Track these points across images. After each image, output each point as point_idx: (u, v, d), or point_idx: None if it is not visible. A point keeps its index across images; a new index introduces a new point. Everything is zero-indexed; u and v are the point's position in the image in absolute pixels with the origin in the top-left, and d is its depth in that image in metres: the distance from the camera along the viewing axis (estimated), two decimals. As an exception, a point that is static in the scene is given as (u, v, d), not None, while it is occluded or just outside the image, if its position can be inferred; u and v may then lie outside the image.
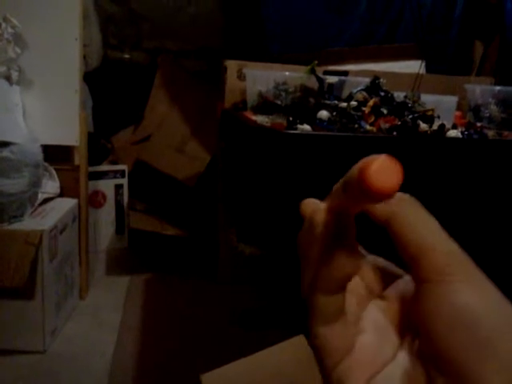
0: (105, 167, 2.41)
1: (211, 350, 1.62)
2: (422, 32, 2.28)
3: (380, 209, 0.26)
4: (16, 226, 1.58)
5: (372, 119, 1.43)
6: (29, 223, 1.61)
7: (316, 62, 1.70)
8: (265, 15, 2.30)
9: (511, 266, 1.31)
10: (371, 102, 1.46)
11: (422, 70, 2.12)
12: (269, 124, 1.50)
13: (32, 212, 1.69)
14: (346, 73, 1.91)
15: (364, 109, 1.45)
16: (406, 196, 0.27)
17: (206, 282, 2.12)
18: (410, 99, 1.56)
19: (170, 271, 2.20)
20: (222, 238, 2.10)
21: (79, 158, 1.90)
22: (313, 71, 1.68)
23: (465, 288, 0.23)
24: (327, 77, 1.71)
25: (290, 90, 1.67)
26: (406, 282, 0.28)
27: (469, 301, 0.23)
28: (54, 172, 1.87)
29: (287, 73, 1.71)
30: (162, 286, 2.11)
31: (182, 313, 1.89)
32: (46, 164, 1.84)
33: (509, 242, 1.32)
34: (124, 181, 2.41)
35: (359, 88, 1.57)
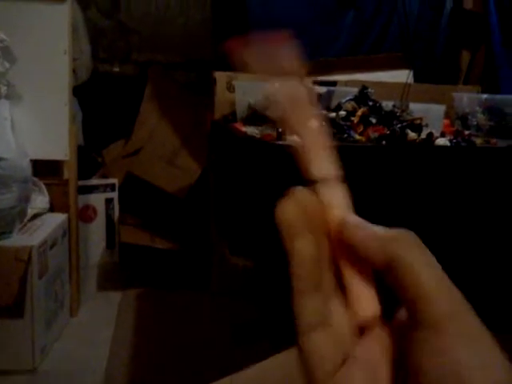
0: (95, 181, 2.40)
1: (204, 365, 1.61)
2: (409, 42, 2.30)
3: (379, 252, 0.25)
4: (5, 242, 1.56)
5: (361, 129, 1.44)
6: (18, 239, 1.59)
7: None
8: (253, 26, 2.31)
9: (502, 269, 1.31)
10: (360, 112, 1.47)
11: (410, 80, 2.14)
12: (258, 135, 1.50)
13: (21, 228, 1.67)
14: (334, 83, 1.92)
15: (353, 118, 1.46)
16: (407, 234, 0.25)
17: (198, 295, 2.10)
18: (398, 108, 1.58)
19: (161, 285, 2.18)
20: (214, 251, 2.09)
21: (69, 172, 1.89)
22: (302, 82, 1.68)
23: (459, 343, 0.22)
24: (316, 87, 1.72)
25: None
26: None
27: (461, 358, 0.22)
28: (43, 187, 1.85)
29: (276, 84, 1.72)
30: (154, 301, 2.09)
31: (174, 327, 1.87)
32: (36, 179, 1.82)
33: (498, 245, 1.32)
34: (114, 195, 2.40)
35: (348, 98, 1.58)
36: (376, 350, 0.26)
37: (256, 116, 1.67)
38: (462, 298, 0.24)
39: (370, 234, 0.26)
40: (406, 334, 0.24)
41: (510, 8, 2.20)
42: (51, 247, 1.68)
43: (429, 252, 0.25)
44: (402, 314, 0.26)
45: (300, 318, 0.26)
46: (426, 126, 1.52)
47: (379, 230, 0.26)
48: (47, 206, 1.85)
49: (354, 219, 0.27)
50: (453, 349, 0.22)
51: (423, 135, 1.47)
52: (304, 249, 0.25)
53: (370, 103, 1.56)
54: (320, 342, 0.25)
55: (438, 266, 0.24)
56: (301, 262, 0.25)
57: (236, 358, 1.50)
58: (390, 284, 0.25)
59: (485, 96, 1.78)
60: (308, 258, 0.25)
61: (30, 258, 1.51)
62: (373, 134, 1.40)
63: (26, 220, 1.70)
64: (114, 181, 2.42)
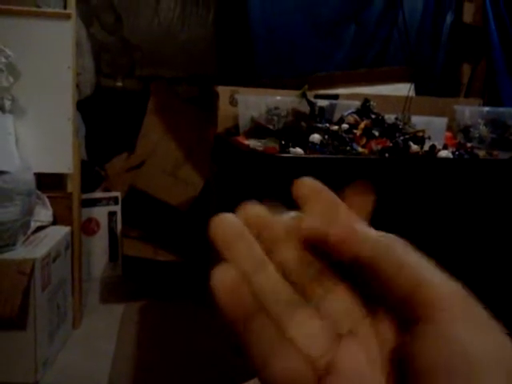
0: (98, 194, 2.41)
1: (206, 377, 1.59)
2: (410, 55, 2.32)
3: (365, 248, 0.24)
4: (8, 254, 1.56)
5: (364, 141, 1.44)
6: (21, 252, 1.59)
7: (307, 86, 1.72)
8: (255, 41, 2.34)
9: (506, 280, 1.31)
10: (362, 125, 1.48)
11: (412, 93, 2.16)
12: (261, 148, 1.51)
13: (24, 240, 1.67)
14: (336, 96, 1.93)
15: (355, 131, 1.47)
16: (392, 236, 0.25)
17: (201, 307, 2.09)
18: (400, 121, 1.58)
19: (164, 297, 2.18)
20: (216, 263, 2.08)
21: (72, 186, 1.90)
22: (304, 95, 1.70)
23: (463, 328, 0.21)
24: (318, 101, 1.73)
25: (282, 114, 1.69)
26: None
27: (469, 342, 0.21)
28: (46, 200, 1.86)
29: (279, 97, 1.73)
30: (157, 313, 2.08)
31: (176, 339, 1.86)
32: (39, 192, 1.83)
33: (502, 257, 1.32)
34: (117, 208, 2.40)
35: (350, 111, 1.59)
36: (361, 358, 0.23)
37: (259, 129, 1.68)
38: (459, 283, 0.23)
39: (363, 237, 0.24)
40: (400, 336, 0.23)
41: (508, 21, 2.23)
42: (54, 260, 1.68)
43: (414, 249, 0.24)
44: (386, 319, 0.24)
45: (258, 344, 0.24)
46: (429, 138, 1.53)
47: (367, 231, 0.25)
48: (50, 218, 1.86)
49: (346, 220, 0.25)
50: (460, 334, 0.21)
51: (426, 147, 1.47)
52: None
53: (373, 116, 1.57)
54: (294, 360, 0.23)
55: (426, 258, 0.24)
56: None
57: (238, 370, 1.49)
58: (376, 286, 0.23)
59: (487, 109, 1.79)
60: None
61: (32, 270, 1.51)
62: (376, 147, 1.41)
63: (29, 233, 1.71)
64: (117, 194, 2.42)
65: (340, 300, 0.25)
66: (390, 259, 0.23)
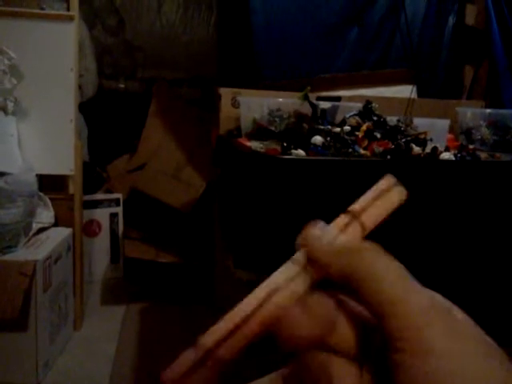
0: (100, 196, 2.41)
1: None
2: (412, 57, 2.32)
3: (337, 265, 0.23)
4: (9, 256, 1.56)
5: (365, 143, 1.44)
6: (22, 253, 1.59)
7: (309, 88, 1.72)
8: (257, 43, 2.34)
9: (508, 283, 1.30)
10: (364, 127, 1.47)
11: (414, 95, 2.15)
12: (263, 150, 1.50)
13: (26, 242, 1.67)
14: (338, 98, 1.93)
15: (357, 133, 1.46)
16: (366, 244, 0.24)
17: (203, 309, 2.09)
18: (402, 123, 1.58)
19: (166, 299, 2.17)
20: (218, 265, 2.08)
21: (74, 187, 1.90)
22: (306, 97, 1.69)
23: (441, 340, 0.20)
24: (320, 102, 1.73)
25: (284, 116, 1.68)
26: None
27: (448, 369, 0.20)
28: (48, 201, 1.86)
29: (281, 99, 1.73)
30: (159, 315, 2.08)
31: (179, 342, 1.86)
32: (41, 193, 1.83)
33: (503, 259, 1.31)
34: (119, 209, 2.40)
35: (352, 113, 1.59)
36: None
37: (261, 131, 1.68)
38: (434, 297, 0.22)
39: (327, 248, 0.24)
40: (386, 362, 0.22)
41: (511, 23, 2.22)
42: (56, 261, 1.68)
43: (389, 256, 0.23)
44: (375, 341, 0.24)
45: None
46: (431, 140, 1.52)
47: (337, 242, 0.24)
48: (52, 220, 1.86)
49: (313, 231, 0.25)
50: (435, 347, 0.20)
51: (428, 149, 1.47)
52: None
53: (375, 118, 1.57)
54: None
55: (400, 268, 0.23)
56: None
57: (240, 372, 1.48)
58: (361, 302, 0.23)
59: (489, 111, 1.78)
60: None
61: (34, 272, 1.51)
62: (377, 149, 1.41)
63: (31, 234, 1.71)
64: (119, 196, 2.42)
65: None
66: (361, 276, 0.22)
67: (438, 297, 0.23)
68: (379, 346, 0.23)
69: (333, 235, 0.25)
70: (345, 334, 0.24)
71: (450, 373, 0.19)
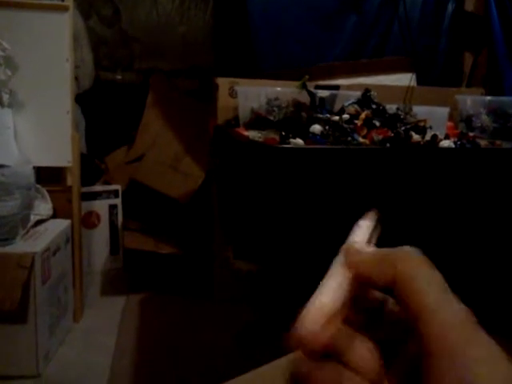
0: (98, 188, 2.40)
1: (207, 370, 1.59)
2: (411, 45, 2.30)
3: (384, 271, 0.25)
4: (8, 248, 1.56)
5: (365, 132, 1.43)
6: (21, 246, 1.59)
7: (307, 76, 1.71)
8: (254, 33, 2.32)
9: (508, 272, 1.30)
10: (363, 115, 1.46)
11: (413, 82, 2.14)
12: (261, 139, 1.49)
13: (24, 234, 1.66)
14: (337, 87, 1.91)
15: (356, 122, 1.45)
16: (410, 250, 0.25)
17: (202, 300, 2.09)
18: (402, 111, 1.57)
19: (165, 290, 2.18)
20: (217, 256, 2.08)
21: (72, 179, 1.89)
22: (304, 86, 1.68)
23: (467, 364, 0.21)
24: (319, 91, 1.72)
25: (282, 105, 1.67)
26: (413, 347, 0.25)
27: (472, 367, 0.21)
28: (46, 193, 1.85)
29: (279, 88, 1.72)
30: (158, 306, 2.08)
31: (178, 333, 1.86)
32: (39, 186, 1.82)
33: (504, 249, 1.31)
34: (118, 201, 2.39)
35: (351, 101, 1.57)
36: None
37: (259, 120, 1.67)
38: (465, 310, 0.23)
39: (370, 257, 0.26)
40: (419, 368, 0.23)
41: (511, 9, 2.20)
42: (54, 253, 1.67)
43: (432, 268, 0.24)
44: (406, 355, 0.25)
45: None
46: (430, 128, 1.51)
47: (379, 252, 0.26)
48: (50, 212, 1.85)
49: (354, 246, 0.27)
50: (467, 353, 0.22)
51: (427, 137, 1.46)
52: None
53: (374, 106, 1.55)
54: None
55: (441, 281, 0.24)
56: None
57: (239, 364, 1.49)
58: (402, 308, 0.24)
59: (489, 98, 1.77)
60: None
61: (32, 264, 1.50)
62: (377, 137, 1.40)
63: (29, 226, 1.70)
64: (118, 187, 2.42)
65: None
66: (404, 282, 0.24)
67: (468, 310, 0.24)
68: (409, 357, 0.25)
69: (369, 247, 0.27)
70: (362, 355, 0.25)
71: (481, 376, 0.21)
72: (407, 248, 0.25)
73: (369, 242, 0.29)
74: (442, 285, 0.24)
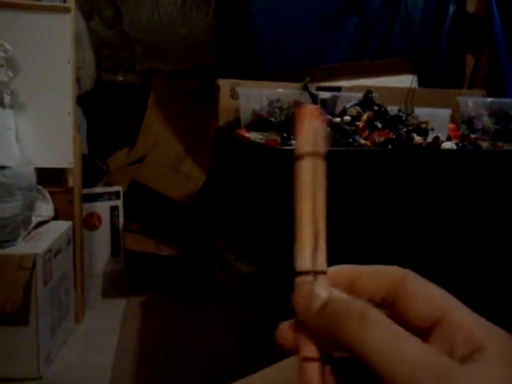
0: (99, 189, 2.40)
1: (209, 372, 1.59)
2: (412, 46, 2.30)
3: (325, 331, 0.24)
4: (9, 250, 1.56)
5: (366, 133, 1.43)
6: (22, 247, 1.59)
7: (309, 78, 1.71)
8: (256, 34, 2.32)
9: (506, 274, 1.30)
10: (365, 117, 1.46)
11: (415, 84, 2.14)
12: (263, 141, 1.49)
13: (25, 236, 1.66)
14: (338, 88, 1.91)
15: (358, 123, 1.45)
16: (360, 311, 0.23)
17: (203, 302, 2.09)
18: (403, 113, 1.57)
19: (166, 292, 2.17)
20: (218, 258, 2.07)
21: (73, 180, 1.89)
22: (306, 87, 1.68)
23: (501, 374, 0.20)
24: (320, 93, 1.72)
25: (284, 106, 1.67)
26: None
27: None
28: (47, 195, 1.85)
29: (280, 90, 1.72)
30: (159, 308, 2.07)
31: (179, 334, 1.86)
32: (40, 187, 1.82)
33: (505, 250, 1.31)
34: (119, 202, 2.39)
35: (352, 103, 1.57)
36: None
37: (260, 122, 1.67)
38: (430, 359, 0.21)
39: (316, 312, 0.24)
40: None
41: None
42: (56, 255, 1.67)
43: (387, 329, 0.22)
44: None
45: None
46: (432, 130, 1.51)
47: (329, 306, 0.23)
48: (52, 213, 1.85)
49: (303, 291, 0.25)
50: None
51: (429, 139, 1.46)
52: None
53: (375, 108, 1.55)
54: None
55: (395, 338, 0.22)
56: None
57: (241, 365, 1.48)
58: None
59: (490, 100, 1.77)
60: None
61: (34, 265, 1.50)
62: (378, 139, 1.40)
63: (30, 228, 1.70)
64: (119, 188, 2.42)
65: None
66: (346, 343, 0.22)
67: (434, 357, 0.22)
68: None
69: (324, 293, 0.24)
70: None
71: None
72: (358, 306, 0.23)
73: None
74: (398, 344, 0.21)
